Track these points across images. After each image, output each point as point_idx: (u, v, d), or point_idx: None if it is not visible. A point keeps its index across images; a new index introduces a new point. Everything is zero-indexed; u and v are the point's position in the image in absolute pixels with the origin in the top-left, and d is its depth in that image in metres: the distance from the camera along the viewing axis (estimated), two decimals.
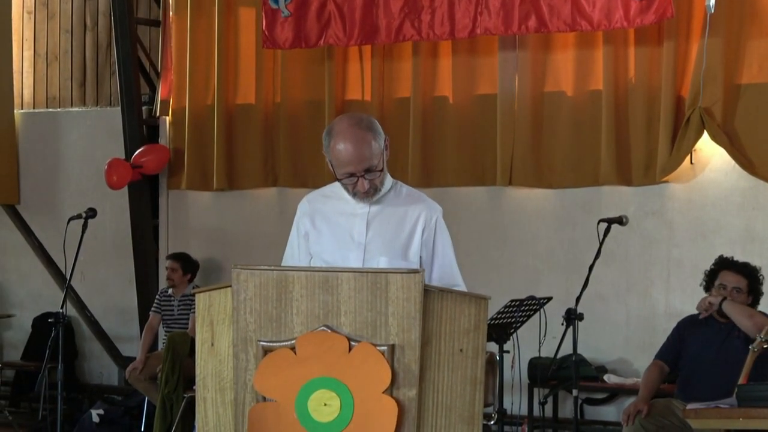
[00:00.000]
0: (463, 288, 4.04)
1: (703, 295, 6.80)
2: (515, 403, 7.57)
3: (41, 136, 10.70)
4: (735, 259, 6.73)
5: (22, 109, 10.87)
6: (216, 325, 3.67)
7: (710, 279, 6.70)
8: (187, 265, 9.25)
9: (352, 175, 3.97)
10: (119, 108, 10.06)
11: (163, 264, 9.52)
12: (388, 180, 4.10)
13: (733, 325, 6.49)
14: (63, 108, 10.69)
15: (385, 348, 3.46)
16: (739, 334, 6.40)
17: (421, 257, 4.06)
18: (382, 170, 4.00)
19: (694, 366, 6.61)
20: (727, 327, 6.54)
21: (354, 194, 4.03)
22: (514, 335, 6.93)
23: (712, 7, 7.56)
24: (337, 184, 4.10)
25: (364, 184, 3.98)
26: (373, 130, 3.98)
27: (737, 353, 6.28)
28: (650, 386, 6.72)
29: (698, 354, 6.60)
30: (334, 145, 3.97)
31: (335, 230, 4.08)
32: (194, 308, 4.67)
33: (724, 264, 6.69)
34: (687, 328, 6.79)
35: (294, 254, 4.17)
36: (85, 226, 6.99)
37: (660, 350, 6.91)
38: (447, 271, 4.08)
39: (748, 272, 6.64)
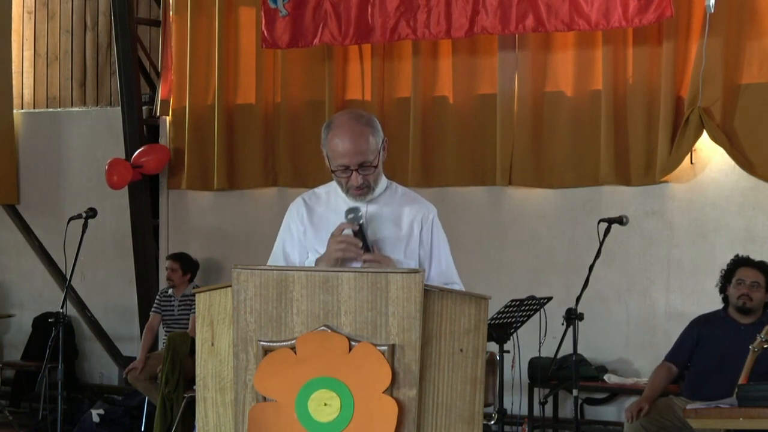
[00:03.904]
0: (460, 286, 4.05)
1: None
2: (515, 403, 7.58)
3: (41, 136, 10.71)
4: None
5: (22, 109, 10.88)
6: (216, 324, 3.67)
7: (727, 277, 6.72)
8: (186, 265, 9.25)
9: (346, 168, 3.96)
10: (119, 108, 10.07)
11: (163, 264, 9.52)
12: (384, 180, 4.10)
13: (755, 328, 6.41)
14: (63, 108, 10.70)
15: (386, 348, 3.46)
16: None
17: (419, 255, 4.07)
18: (376, 167, 3.99)
19: (709, 365, 6.59)
20: (748, 329, 6.49)
21: (347, 190, 4.02)
22: (514, 335, 6.94)
23: (712, 7, 7.56)
24: (331, 184, 4.11)
25: (357, 179, 3.97)
26: (372, 127, 3.99)
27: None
28: (656, 387, 6.73)
29: (715, 354, 6.58)
30: (331, 137, 3.98)
31: (330, 226, 4.06)
32: (194, 308, 4.67)
33: (740, 262, 6.77)
34: (703, 327, 6.77)
35: (291, 253, 4.12)
36: (85, 226, 6.99)
37: (671, 352, 6.87)
38: (443, 270, 4.09)
39: (766, 268, 6.68)
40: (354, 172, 3.96)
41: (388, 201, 4.10)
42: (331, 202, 4.11)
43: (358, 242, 3.92)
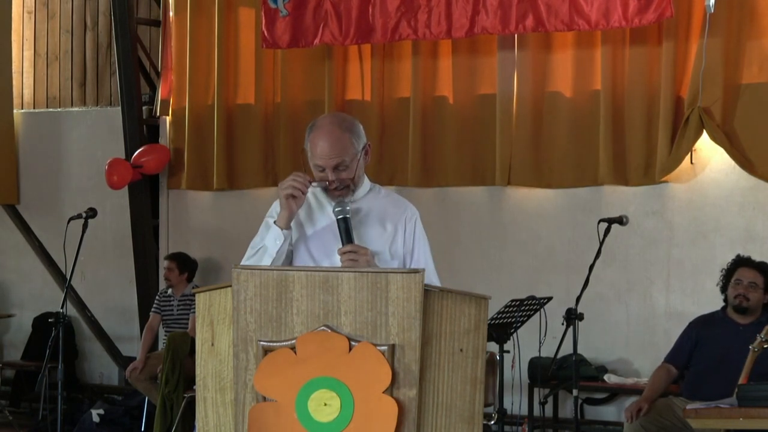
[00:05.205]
0: None
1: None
2: (515, 403, 7.58)
3: (41, 136, 10.71)
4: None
5: (22, 109, 10.88)
6: (216, 325, 3.67)
7: (727, 277, 6.73)
8: (182, 264, 9.25)
9: (322, 170, 4.05)
10: (119, 108, 10.06)
11: (163, 264, 9.53)
12: (367, 183, 4.18)
13: (754, 328, 6.41)
14: (63, 108, 10.69)
15: (386, 348, 3.46)
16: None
17: (402, 254, 4.10)
18: (354, 173, 4.05)
19: (709, 365, 6.58)
20: (747, 329, 6.49)
21: (326, 190, 4.09)
22: (514, 335, 6.94)
23: (712, 7, 7.56)
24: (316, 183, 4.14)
25: (333, 182, 4.04)
26: (352, 132, 4.07)
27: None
28: (655, 387, 6.73)
29: (714, 354, 6.58)
30: (312, 138, 4.07)
31: (319, 228, 4.12)
32: (194, 308, 4.67)
33: (741, 262, 6.78)
34: (702, 327, 6.77)
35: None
36: (85, 226, 7.00)
37: (670, 353, 6.88)
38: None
39: (765, 269, 6.69)
40: (330, 174, 4.03)
41: (372, 201, 4.17)
42: (319, 199, 4.17)
43: (307, 181, 4.02)
